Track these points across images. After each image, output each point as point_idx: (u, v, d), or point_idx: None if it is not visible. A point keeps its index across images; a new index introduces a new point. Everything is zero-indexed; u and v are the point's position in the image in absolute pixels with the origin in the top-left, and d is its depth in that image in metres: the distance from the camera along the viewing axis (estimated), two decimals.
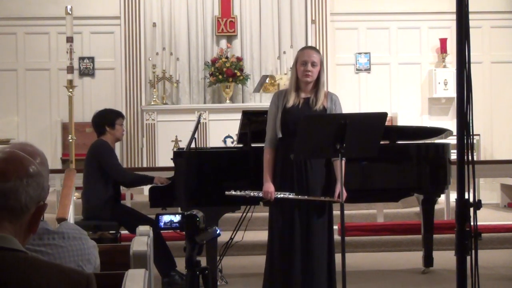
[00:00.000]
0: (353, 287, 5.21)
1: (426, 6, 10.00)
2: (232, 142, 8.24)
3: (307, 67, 4.34)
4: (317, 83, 4.40)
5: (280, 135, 4.38)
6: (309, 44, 9.50)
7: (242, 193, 4.60)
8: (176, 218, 2.63)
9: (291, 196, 4.32)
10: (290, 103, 4.37)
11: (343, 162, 4.24)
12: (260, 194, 4.46)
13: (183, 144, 8.04)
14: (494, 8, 10.00)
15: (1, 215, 1.65)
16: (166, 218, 2.64)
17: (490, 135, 10.00)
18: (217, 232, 2.76)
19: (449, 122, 9.43)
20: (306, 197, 4.31)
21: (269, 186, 4.38)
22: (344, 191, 4.24)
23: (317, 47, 9.49)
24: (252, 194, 4.55)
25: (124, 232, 5.65)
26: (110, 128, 5.60)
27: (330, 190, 4.37)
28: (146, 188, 7.26)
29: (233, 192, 4.64)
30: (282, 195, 4.34)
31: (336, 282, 4.43)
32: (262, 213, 5.59)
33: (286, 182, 4.37)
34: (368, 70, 10.05)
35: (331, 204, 4.48)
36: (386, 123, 4.31)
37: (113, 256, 2.89)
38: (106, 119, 5.62)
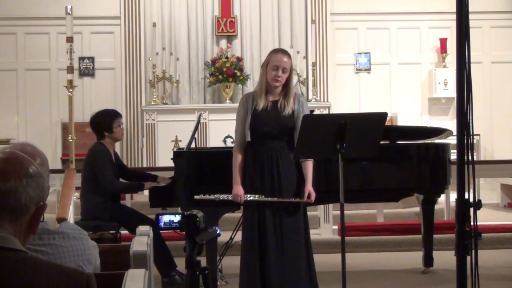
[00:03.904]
0: (353, 287, 5.21)
1: (426, 6, 10.00)
2: (232, 142, 8.23)
3: (278, 73, 4.32)
4: (286, 87, 4.40)
5: (249, 139, 4.37)
6: (309, 44, 9.51)
7: (212, 196, 4.59)
8: (176, 218, 2.63)
9: (261, 198, 4.32)
10: (260, 106, 4.36)
11: (311, 163, 4.33)
12: (230, 198, 4.45)
13: (183, 144, 8.04)
14: (494, 8, 9.99)
15: (1, 215, 1.65)
16: (166, 218, 2.64)
17: (490, 135, 9.99)
18: (217, 232, 2.76)
19: (449, 122, 9.42)
20: (275, 199, 4.31)
21: (238, 189, 4.37)
22: (313, 191, 4.31)
23: (317, 47, 9.52)
24: (221, 197, 4.54)
25: (124, 232, 5.64)
26: (109, 133, 5.53)
27: (301, 191, 4.36)
28: None
29: (203, 196, 4.62)
30: (251, 198, 4.34)
31: (318, 283, 4.44)
32: None
33: (257, 185, 4.35)
34: (368, 70, 10.04)
35: (305, 205, 4.48)
36: (386, 123, 4.32)
37: (113, 256, 2.89)
38: (103, 125, 5.52)
